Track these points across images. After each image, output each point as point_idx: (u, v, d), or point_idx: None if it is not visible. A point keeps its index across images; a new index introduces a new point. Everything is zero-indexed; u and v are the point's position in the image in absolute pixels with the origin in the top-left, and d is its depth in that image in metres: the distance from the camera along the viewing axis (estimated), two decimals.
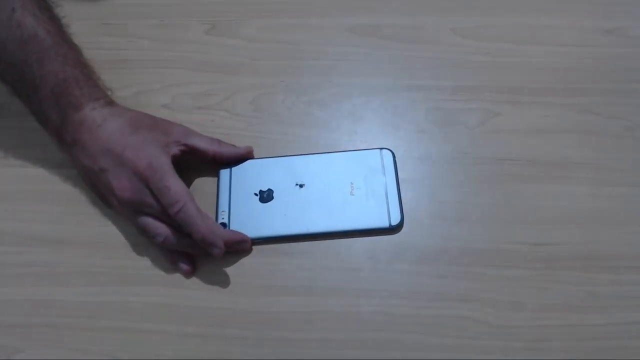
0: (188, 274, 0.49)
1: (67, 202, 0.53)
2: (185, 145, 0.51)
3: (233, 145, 0.54)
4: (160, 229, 0.48)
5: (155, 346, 0.47)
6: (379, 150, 0.54)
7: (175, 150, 0.50)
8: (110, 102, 0.51)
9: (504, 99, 0.57)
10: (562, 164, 0.53)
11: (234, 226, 0.50)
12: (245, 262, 0.50)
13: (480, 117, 0.56)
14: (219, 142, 0.53)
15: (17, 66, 0.49)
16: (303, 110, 0.57)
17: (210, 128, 0.56)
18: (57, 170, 0.54)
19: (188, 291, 0.49)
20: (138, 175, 0.47)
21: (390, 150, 0.54)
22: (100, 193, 0.51)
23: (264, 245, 0.50)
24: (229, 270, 0.49)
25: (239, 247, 0.49)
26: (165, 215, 0.47)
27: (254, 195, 0.52)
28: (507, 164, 0.53)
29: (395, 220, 0.50)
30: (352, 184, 0.52)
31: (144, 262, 0.50)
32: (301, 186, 0.52)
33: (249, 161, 0.53)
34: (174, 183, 0.47)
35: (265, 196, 0.51)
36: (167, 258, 0.50)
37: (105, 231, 0.51)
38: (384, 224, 0.50)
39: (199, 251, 0.48)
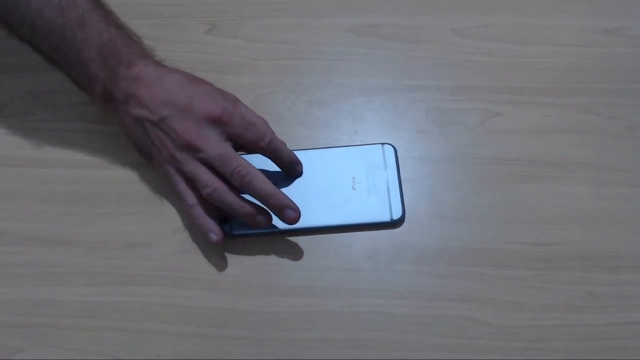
0: (218, 244, 0.49)
1: (67, 202, 0.53)
2: None
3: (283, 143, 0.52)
4: (212, 180, 0.48)
5: (155, 346, 0.47)
6: (380, 145, 0.54)
7: None
8: (157, 61, 0.52)
9: (504, 99, 0.57)
10: (562, 164, 0.53)
11: (236, 221, 0.50)
12: (245, 261, 0.50)
13: (480, 117, 0.56)
14: (264, 122, 0.51)
15: (56, 32, 0.49)
16: (303, 110, 0.57)
17: None
18: (57, 170, 0.54)
19: (188, 291, 0.49)
20: (212, 120, 0.48)
21: (392, 145, 0.54)
22: (144, 147, 0.51)
23: (264, 245, 0.50)
24: (229, 270, 0.49)
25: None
26: (220, 163, 0.48)
27: None
28: (507, 164, 0.53)
29: (396, 215, 0.51)
30: (353, 178, 0.52)
31: (144, 262, 0.50)
32: (303, 181, 0.52)
33: (249, 157, 0.52)
34: (256, 120, 0.50)
35: None
36: (198, 224, 0.49)
37: (105, 231, 0.51)
38: (386, 218, 0.50)
39: (241, 211, 0.48)
